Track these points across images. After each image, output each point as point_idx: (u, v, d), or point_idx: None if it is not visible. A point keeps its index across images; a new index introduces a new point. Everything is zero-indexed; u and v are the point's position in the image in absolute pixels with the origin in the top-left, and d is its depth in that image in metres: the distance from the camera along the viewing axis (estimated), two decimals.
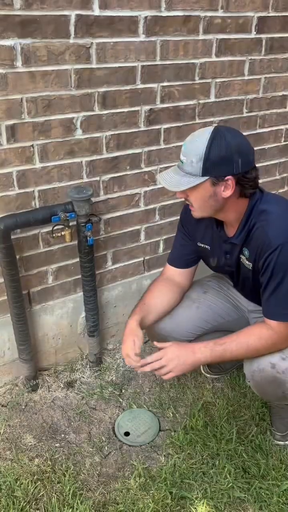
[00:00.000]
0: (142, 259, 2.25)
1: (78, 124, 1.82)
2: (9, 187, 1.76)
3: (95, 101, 1.82)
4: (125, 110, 1.91)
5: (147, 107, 1.96)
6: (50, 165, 1.82)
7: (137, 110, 1.94)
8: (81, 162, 1.89)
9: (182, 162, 1.46)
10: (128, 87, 1.88)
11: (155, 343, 1.70)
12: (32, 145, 1.75)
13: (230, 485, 1.69)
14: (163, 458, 1.81)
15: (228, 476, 1.72)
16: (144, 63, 1.87)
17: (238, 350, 1.57)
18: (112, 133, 1.91)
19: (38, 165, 1.79)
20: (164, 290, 1.81)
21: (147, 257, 2.27)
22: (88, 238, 1.85)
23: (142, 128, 1.98)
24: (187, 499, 1.65)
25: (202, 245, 1.75)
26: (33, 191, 1.82)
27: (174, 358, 1.56)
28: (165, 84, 1.96)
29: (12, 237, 1.79)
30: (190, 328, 1.86)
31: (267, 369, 1.57)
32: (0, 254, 1.74)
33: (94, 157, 1.91)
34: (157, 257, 2.29)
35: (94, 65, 1.77)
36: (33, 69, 1.65)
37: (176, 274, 1.84)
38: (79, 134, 1.84)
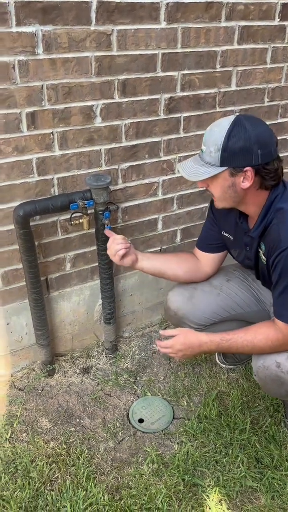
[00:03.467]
0: (159, 248, 2.26)
1: (97, 111, 1.82)
2: (29, 174, 1.78)
3: (115, 88, 1.82)
4: (145, 98, 1.90)
5: (167, 95, 1.95)
6: (69, 152, 1.83)
7: (157, 98, 1.93)
8: (100, 150, 1.89)
9: (203, 152, 1.46)
10: (148, 75, 1.87)
11: (160, 332, 1.73)
12: (52, 133, 1.76)
13: (242, 474, 1.70)
14: (176, 445, 1.83)
15: (240, 465, 1.73)
16: (165, 51, 1.86)
17: (244, 348, 1.58)
18: (132, 121, 1.91)
19: (57, 152, 1.80)
20: (188, 258, 1.85)
21: (164, 247, 2.27)
22: (106, 226, 1.86)
23: (162, 116, 1.97)
24: (199, 486, 1.66)
25: (226, 235, 1.75)
26: (52, 178, 1.83)
27: (181, 349, 1.64)
28: (185, 72, 1.95)
29: (31, 223, 1.81)
30: (207, 314, 1.86)
31: (272, 367, 1.57)
32: (19, 240, 1.76)
33: (113, 145, 1.92)
34: (174, 246, 2.29)
35: (114, 53, 1.76)
36: (54, 56, 1.65)
37: (201, 257, 1.85)
38: (98, 122, 1.84)
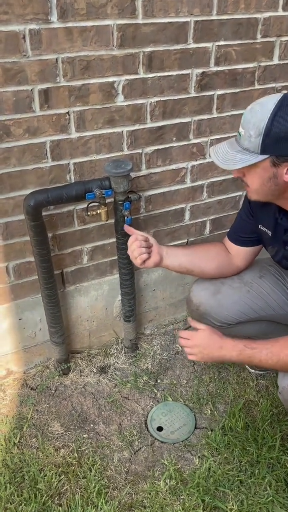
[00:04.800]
0: (185, 240, 2.06)
1: (119, 89, 1.62)
2: (42, 158, 1.61)
3: (139, 62, 1.61)
4: (174, 73, 1.68)
5: (199, 70, 1.72)
6: (87, 135, 1.64)
7: (187, 74, 1.71)
8: (122, 132, 1.70)
9: (240, 135, 1.24)
10: (178, 47, 1.64)
11: (189, 319, 1.55)
12: (68, 112, 1.57)
13: (269, 498, 1.53)
14: (197, 459, 1.67)
15: (268, 488, 1.56)
16: (198, 18, 1.63)
17: (267, 361, 1.38)
18: (158, 99, 1.70)
19: (74, 134, 1.62)
20: (218, 252, 1.65)
21: (191, 239, 2.07)
22: (126, 217, 1.68)
23: (193, 94, 1.75)
24: (221, 510, 1.51)
25: (264, 229, 1.53)
26: (68, 164, 1.66)
27: (199, 345, 1.44)
28: (221, 43, 1.71)
29: (45, 213, 1.65)
30: (233, 312, 1.67)
31: None
32: (30, 232, 1.61)
33: (137, 127, 1.71)
34: (202, 239, 2.09)
35: (139, 20, 1.54)
36: (70, 24, 1.45)
37: (232, 249, 1.65)
38: (120, 101, 1.64)
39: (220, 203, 2.04)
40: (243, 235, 1.62)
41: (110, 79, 1.59)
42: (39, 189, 1.59)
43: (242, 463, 1.64)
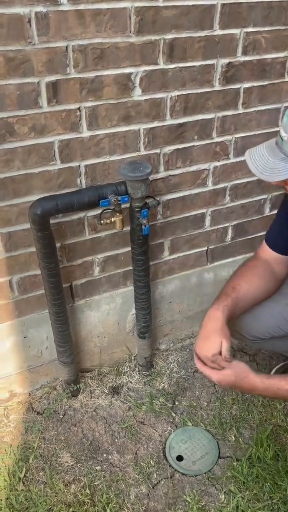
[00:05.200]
0: (205, 248, 1.88)
1: (137, 81, 1.43)
2: (50, 160, 1.42)
3: (159, 51, 1.42)
4: (197, 64, 1.49)
5: (225, 61, 1.53)
6: (100, 133, 1.46)
7: (212, 64, 1.52)
8: (139, 130, 1.51)
9: (282, 140, 1.06)
10: (202, 34, 1.46)
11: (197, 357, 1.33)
12: (79, 108, 1.39)
13: None
14: (223, 495, 1.50)
15: None
16: (225, 1, 1.44)
17: None
18: (179, 93, 1.51)
19: (85, 133, 1.44)
20: (260, 277, 1.44)
21: (211, 246, 1.89)
22: (143, 226, 1.50)
23: (217, 87, 1.57)
24: None
25: None
26: (79, 166, 1.47)
27: (229, 380, 1.27)
28: (250, 29, 1.52)
29: (53, 221, 1.47)
30: (269, 326, 1.52)
31: None
32: (37, 244, 1.43)
33: (155, 124, 1.53)
34: (223, 246, 1.91)
35: (160, 3, 1.35)
36: (82, 7, 1.26)
37: (273, 259, 1.47)
38: (137, 95, 1.45)
39: (243, 207, 1.86)
40: (284, 241, 1.44)
41: (127, 70, 1.40)
42: (46, 196, 1.41)
43: (274, 500, 1.47)
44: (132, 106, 1.46)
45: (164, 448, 1.66)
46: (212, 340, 1.28)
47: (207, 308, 1.39)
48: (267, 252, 1.47)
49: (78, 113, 1.40)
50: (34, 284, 1.60)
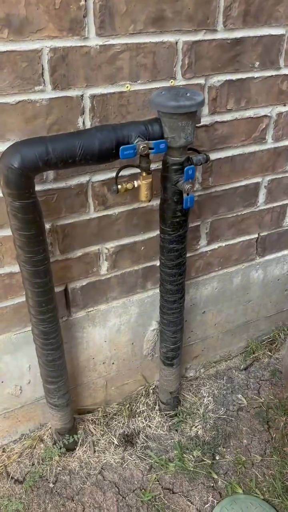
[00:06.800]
0: (256, 236, 1.33)
1: None
2: (34, 83, 0.86)
3: None
4: None
5: None
6: (115, 43, 0.90)
7: None
8: (177, 43, 0.96)
9: None
10: None
11: None
12: None
13: None
14: None
15: None
16: None
17: None
18: None
19: (93, 40, 0.88)
20: None
21: (263, 233, 1.34)
22: (186, 195, 0.94)
23: None
24: None
25: None
26: (82, 96, 0.91)
27: None
28: None
29: (39, 188, 0.90)
30: None
31: None
32: (14, 221, 0.85)
33: (201, 36, 0.97)
34: (279, 233, 1.37)
35: None
36: None
37: None
38: None
39: None
40: None
41: None
42: (30, 138, 0.84)
43: None
44: (169, 1, 0.91)
45: None
46: None
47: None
48: None
49: (83, 2, 0.84)
50: (10, 288, 1.03)
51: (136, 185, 0.94)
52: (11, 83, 0.85)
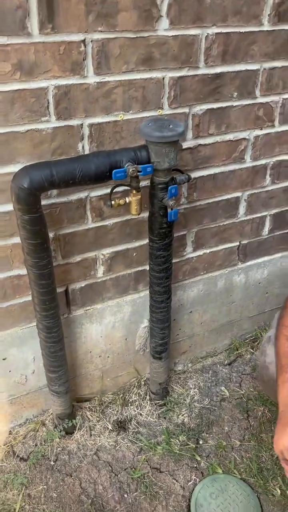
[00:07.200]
0: (237, 243, 1.49)
1: (164, 7, 1.03)
2: (41, 115, 1.01)
3: None
4: None
5: None
6: (111, 80, 1.05)
7: None
8: (163, 78, 1.11)
9: None
10: None
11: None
12: (84, 41, 0.98)
13: None
14: None
15: None
16: None
17: None
18: (218, 30, 1.12)
19: (91, 78, 1.03)
20: None
21: (244, 241, 1.50)
22: (170, 210, 1.10)
23: (265, 26, 1.18)
24: None
25: None
26: (81, 125, 1.07)
27: None
28: None
29: (44, 202, 1.06)
30: None
31: None
32: (23, 232, 1.01)
33: (185, 72, 1.13)
34: (259, 241, 1.52)
35: None
36: None
37: None
38: (164, 28, 1.05)
39: (286, 192, 1.47)
40: None
41: None
42: (37, 163, 1.00)
43: None
44: (156, 45, 1.06)
45: (189, 505, 1.25)
46: None
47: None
48: None
49: (83, 47, 0.99)
50: (18, 288, 1.18)
51: (127, 201, 1.09)
52: (22, 115, 1.00)
